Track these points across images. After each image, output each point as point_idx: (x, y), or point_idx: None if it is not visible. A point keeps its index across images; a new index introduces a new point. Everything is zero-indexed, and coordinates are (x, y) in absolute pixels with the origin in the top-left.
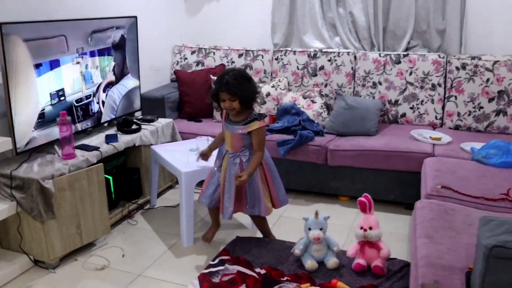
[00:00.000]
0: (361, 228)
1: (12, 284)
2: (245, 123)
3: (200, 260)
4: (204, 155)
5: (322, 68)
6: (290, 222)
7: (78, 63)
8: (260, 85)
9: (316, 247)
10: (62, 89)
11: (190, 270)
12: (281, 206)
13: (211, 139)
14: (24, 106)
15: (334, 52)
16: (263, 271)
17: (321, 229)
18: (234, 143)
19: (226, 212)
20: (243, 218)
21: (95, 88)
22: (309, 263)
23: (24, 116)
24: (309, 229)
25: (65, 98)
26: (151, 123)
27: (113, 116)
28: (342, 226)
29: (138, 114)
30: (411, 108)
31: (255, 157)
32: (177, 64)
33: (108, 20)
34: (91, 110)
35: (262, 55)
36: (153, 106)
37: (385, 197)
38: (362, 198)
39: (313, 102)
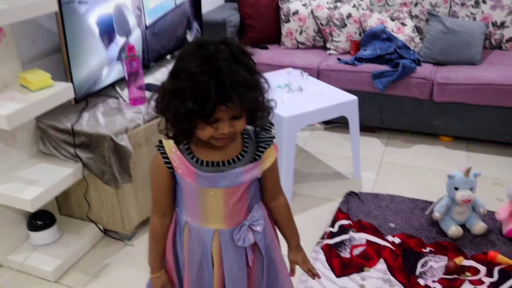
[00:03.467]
0: None
1: (86, 260)
2: (253, 157)
3: (307, 222)
4: None
5: None
6: (392, 168)
7: None
8: (338, 4)
9: (459, 209)
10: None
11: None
12: None
13: (305, 74)
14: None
15: None
16: (397, 240)
17: (471, 188)
18: (233, 205)
19: None
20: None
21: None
22: (454, 229)
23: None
24: (456, 188)
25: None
26: None
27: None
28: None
29: None
30: None
31: (284, 210)
32: None
33: None
34: None
35: None
36: (212, 31)
37: (499, 138)
38: None
39: (403, 25)
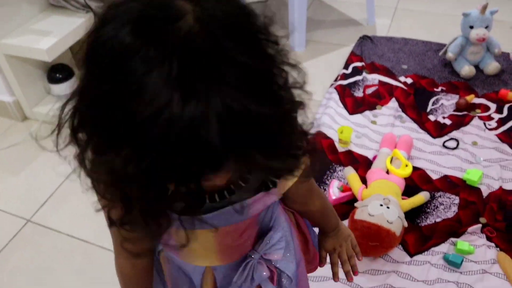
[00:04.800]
0: None
1: None
2: (260, 185)
3: (321, 67)
4: None
5: None
6: (407, 15)
7: None
8: None
9: (473, 49)
10: None
11: (311, 79)
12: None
13: None
14: None
15: None
16: (409, 80)
17: (486, 27)
18: (234, 241)
19: None
20: None
21: None
22: (466, 69)
23: None
24: (471, 27)
25: None
26: None
27: None
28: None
29: None
30: None
31: (318, 214)
32: None
33: None
34: None
35: None
36: None
37: None
38: None
39: None
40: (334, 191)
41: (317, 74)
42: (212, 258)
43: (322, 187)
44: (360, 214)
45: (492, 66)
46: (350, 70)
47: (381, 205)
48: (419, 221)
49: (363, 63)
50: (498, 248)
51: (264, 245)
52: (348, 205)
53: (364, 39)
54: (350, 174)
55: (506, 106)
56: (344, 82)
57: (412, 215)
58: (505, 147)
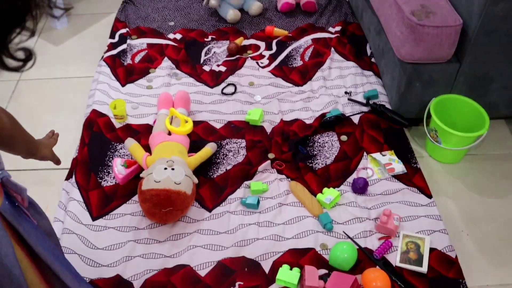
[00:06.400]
0: None
1: None
2: None
3: (87, 41)
4: None
5: None
6: None
7: None
8: None
9: None
10: None
11: (79, 55)
12: None
13: None
14: None
15: None
16: (178, 36)
17: None
18: None
19: None
20: None
21: None
22: (231, 13)
23: None
24: None
25: None
26: None
27: None
28: None
29: None
30: None
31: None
32: None
33: None
34: None
35: None
36: None
37: None
38: None
39: None
40: (119, 170)
41: (84, 49)
42: None
43: (105, 170)
44: (147, 183)
45: (255, 6)
46: (117, 38)
47: (166, 168)
48: (211, 173)
49: (127, 29)
50: (289, 179)
51: None
52: (139, 179)
53: (127, 3)
54: (131, 145)
55: (274, 42)
56: (114, 52)
57: (204, 169)
58: (279, 80)
